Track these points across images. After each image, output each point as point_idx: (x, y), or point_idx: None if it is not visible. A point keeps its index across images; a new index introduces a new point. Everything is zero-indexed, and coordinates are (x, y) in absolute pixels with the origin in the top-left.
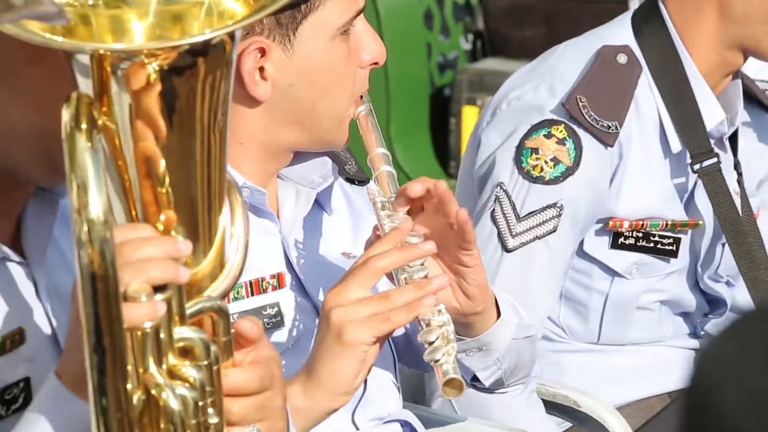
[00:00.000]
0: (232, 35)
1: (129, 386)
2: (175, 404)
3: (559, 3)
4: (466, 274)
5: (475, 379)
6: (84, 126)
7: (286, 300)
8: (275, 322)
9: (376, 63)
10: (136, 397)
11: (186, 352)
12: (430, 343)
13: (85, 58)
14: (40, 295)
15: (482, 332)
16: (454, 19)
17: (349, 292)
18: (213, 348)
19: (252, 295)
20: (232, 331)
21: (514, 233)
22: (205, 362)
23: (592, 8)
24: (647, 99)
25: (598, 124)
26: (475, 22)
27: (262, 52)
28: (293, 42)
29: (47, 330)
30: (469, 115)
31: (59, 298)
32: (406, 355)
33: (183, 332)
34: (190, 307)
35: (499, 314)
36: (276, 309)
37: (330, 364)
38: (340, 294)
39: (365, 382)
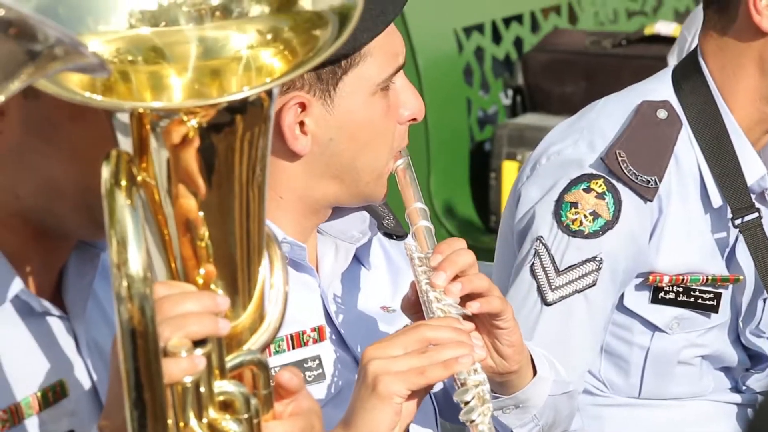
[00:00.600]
0: (269, 92)
1: None
2: None
3: (598, 59)
4: (500, 335)
5: None
6: (123, 183)
7: (327, 353)
8: (316, 375)
9: (414, 119)
10: None
11: (226, 406)
12: (466, 403)
13: (124, 116)
14: (80, 350)
15: (519, 389)
16: (494, 75)
17: (390, 349)
18: (253, 401)
19: (293, 348)
20: (272, 383)
21: (553, 287)
22: (246, 416)
23: (632, 64)
24: (687, 154)
25: (637, 178)
26: (515, 78)
27: (303, 106)
28: (333, 97)
29: (88, 384)
30: (509, 170)
31: (99, 352)
32: (446, 410)
33: (223, 386)
34: (230, 360)
35: (535, 371)
36: (317, 362)
37: (366, 415)
38: (380, 348)
39: None
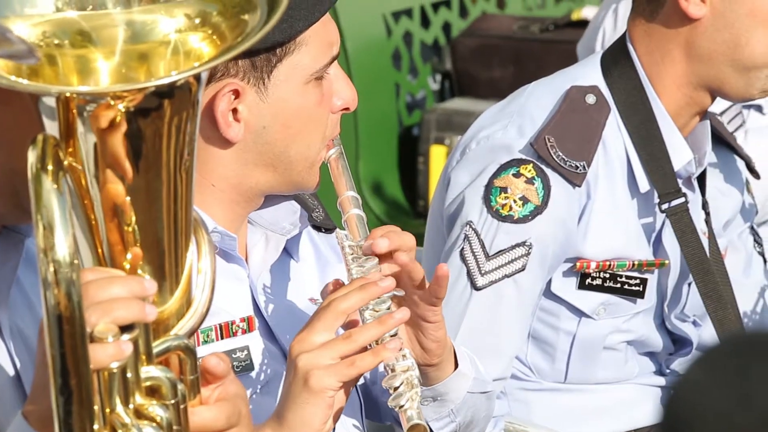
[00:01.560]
0: (197, 76)
1: (96, 427)
2: None
3: (526, 44)
4: (426, 329)
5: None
6: (50, 167)
7: (255, 344)
8: (245, 365)
9: (347, 108)
10: None
11: (153, 392)
12: (395, 389)
13: (51, 100)
14: (3, 335)
15: (438, 382)
16: (422, 60)
17: (314, 336)
18: (180, 387)
19: (222, 338)
20: (199, 369)
21: (483, 271)
22: (173, 401)
23: (560, 49)
24: (615, 139)
25: (566, 164)
26: (443, 63)
27: (236, 93)
28: (267, 85)
29: (10, 370)
30: (437, 155)
31: (22, 339)
32: (369, 408)
33: (150, 371)
34: (157, 346)
35: (456, 366)
36: (246, 352)
37: (299, 410)
38: (306, 339)
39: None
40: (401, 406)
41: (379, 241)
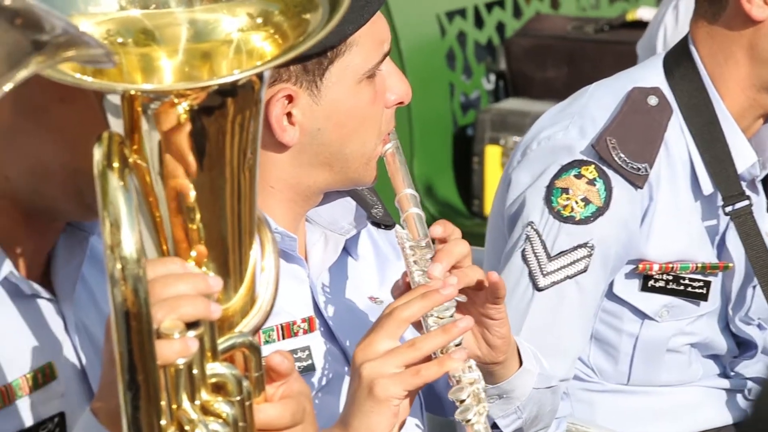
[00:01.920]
0: (260, 75)
1: (163, 422)
2: None
3: (580, 44)
4: (491, 326)
5: (494, 426)
6: (116, 164)
7: (316, 344)
8: (306, 366)
9: (401, 102)
10: None
11: (219, 388)
12: (461, 401)
13: (115, 98)
14: (69, 332)
15: (503, 380)
16: (476, 60)
17: (378, 344)
18: (245, 383)
19: (283, 338)
20: (264, 366)
21: (545, 272)
22: (238, 398)
23: (614, 49)
24: (678, 141)
25: (627, 165)
26: (497, 63)
27: (290, 98)
28: (320, 87)
29: (76, 366)
30: (491, 155)
31: (87, 335)
32: (430, 401)
33: (215, 368)
34: (222, 342)
35: (521, 363)
36: (307, 353)
37: (364, 418)
38: (369, 347)
39: None
40: (468, 420)
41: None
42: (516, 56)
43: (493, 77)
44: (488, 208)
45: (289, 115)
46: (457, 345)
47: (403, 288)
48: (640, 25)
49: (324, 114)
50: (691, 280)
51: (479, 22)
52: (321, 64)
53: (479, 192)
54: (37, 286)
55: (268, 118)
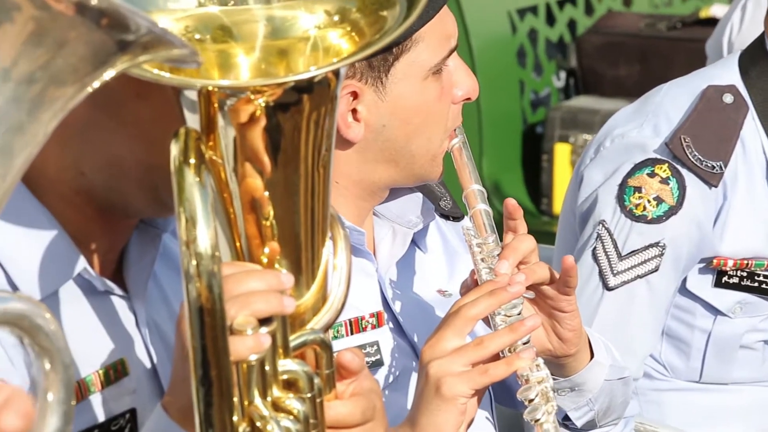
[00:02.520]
0: (336, 72)
1: (235, 418)
2: None
3: (653, 41)
4: (562, 319)
5: (566, 419)
6: (192, 161)
7: (385, 339)
8: (374, 361)
9: (469, 98)
10: (242, 429)
11: (290, 385)
12: (530, 401)
13: (192, 94)
14: (140, 329)
15: (575, 373)
16: (547, 57)
17: (445, 342)
18: (316, 380)
19: (351, 333)
20: (335, 363)
21: (615, 272)
22: (309, 395)
23: (687, 47)
24: (754, 139)
25: (702, 164)
26: (568, 60)
27: (355, 95)
28: (385, 84)
29: (147, 363)
30: (561, 153)
31: (158, 332)
32: (500, 393)
33: (287, 365)
34: (294, 339)
35: (592, 355)
36: (375, 348)
37: (431, 416)
38: (436, 345)
39: None
40: (537, 420)
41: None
42: (587, 53)
43: (563, 75)
44: (556, 206)
45: (354, 111)
46: (524, 343)
47: (471, 285)
48: (713, 23)
49: (389, 110)
50: (765, 276)
51: (551, 20)
52: (386, 60)
53: (548, 190)
54: (110, 283)
55: None
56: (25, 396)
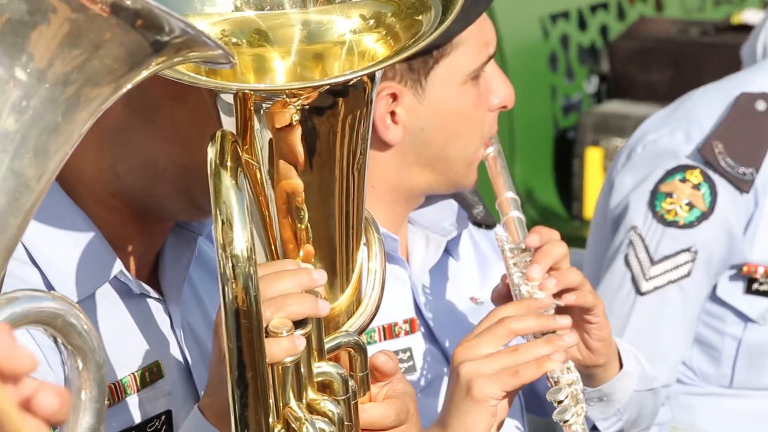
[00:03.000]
0: (372, 76)
1: (270, 420)
2: None
3: (685, 47)
4: (590, 330)
5: (594, 429)
6: (229, 163)
7: (418, 345)
8: (407, 367)
9: (504, 106)
10: (277, 430)
11: (324, 387)
12: (559, 402)
13: (228, 97)
14: (175, 331)
15: (604, 383)
16: (579, 62)
17: (480, 347)
18: (351, 383)
19: (384, 339)
20: (368, 366)
21: (647, 277)
22: (344, 397)
23: (719, 53)
24: None
25: (733, 170)
26: (600, 65)
27: (394, 97)
28: (425, 87)
29: (182, 365)
30: (593, 157)
31: (192, 335)
32: (530, 400)
33: (322, 367)
34: (329, 342)
35: (621, 366)
36: (408, 354)
37: (462, 418)
38: (471, 349)
39: None
40: (566, 421)
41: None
42: (620, 59)
43: (595, 79)
44: (588, 211)
45: (392, 114)
46: None
47: (503, 291)
48: (746, 29)
49: (428, 114)
50: None
51: (582, 25)
52: (426, 64)
53: (579, 195)
54: (146, 286)
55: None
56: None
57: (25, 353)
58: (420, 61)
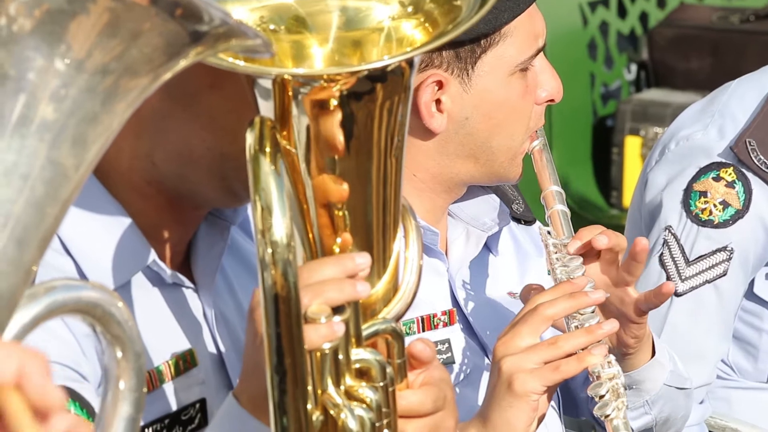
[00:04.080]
0: (410, 61)
1: (309, 406)
2: (353, 425)
3: (725, 34)
4: (629, 328)
5: None
6: (268, 149)
7: (456, 337)
8: (445, 358)
9: (552, 100)
10: (315, 417)
11: (362, 374)
12: (601, 397)
13: (267, 83)
14: (207, 320)
15: (634, 369)
16: (618, 50)
17: (519, 339)
18: (389, 369)
19: (423, 330)
20: (406, 353)
21: (683, 277)
22: (382, 384)
23: (760, 40)
24: None
25: (767, 167)
26: (639, 53)
27: (440, 84)
28: (471, 76)
29: (215, 354)
30: (631, 146)
31: (225, 323)
32: (563, 399)
33: (360, 354)
34: (366, 328)
35: (653, 355)
36: (446, 345)
37: (503, 413)
38: (510, 342)
39: None
40: (607, 416)
41: (600, 238)
42: (659, 46)
43: (634, 67)
44: (626, 199)
45: (438, 102)
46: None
47: (539, 290)
48: None
49: (473, 103)
50: None
51: (622, 12)
52: (474, 52)
53: (618, 183)
54: (179, 275)
55: (417, 103)
56: (88, 426)
57: (57, 392)
58: (467, 50)
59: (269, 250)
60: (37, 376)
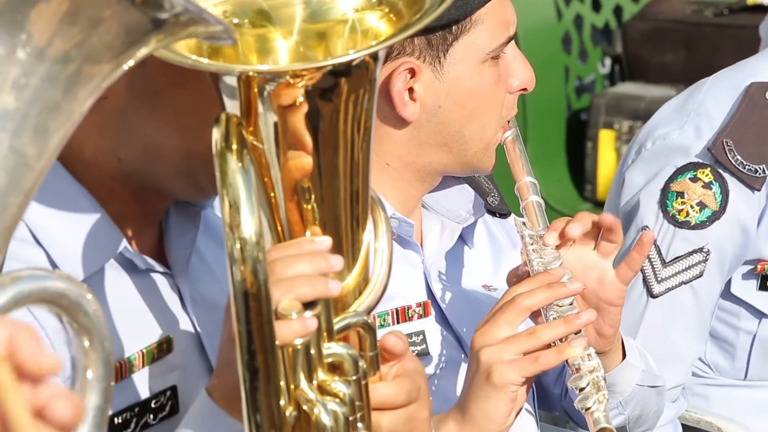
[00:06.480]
0: (374, 55)
1: (282, 402)
2: (326, 420)
3: (699, 28)
4: (607, 314)
5: None
6: (234, 146)
7: (431, 329)
8: (420, 350)
9: (525, 89)
10: (288, 413)
11: (335, 368)
12: (581, 390)
13: (231, 80)
14: (185, 305)
15: (606, 372)
16: (593, 43)
17: (497, 330)
18: (361, 363)
19: (398, 322)
20: (378, 346)
21: (659, 278)
22: (354, 377)
23: (734, 34)
24: None
25: (744, 168)
26: (613, 47)
27: (412, 72)
28: (443, 63)
29: (193, 339)
30: (605, 139)
31: (205, 306)
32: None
33: (332, 348)
34: (338, 322)
35: (624, 357)
36: (421, 337)
37: (482, 404)
38: (488, 333)
39: None
40: (588, 408)
41: (574, 225)
42: (633, 40)
43: (608, 61)
44: (601, 193)
45: (411, 90)
46: (576, 333)
47: (523, 276)
48: (761, 9)
49: (445, 91)
50: None
51: (596, 6)
52: (446, 39)
53: (592, 177)
54: (151, 261)
55: (389, 91)
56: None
57: (52, 356)
58: (439, 37)
59: (238, 246)
60: (28, 344)
